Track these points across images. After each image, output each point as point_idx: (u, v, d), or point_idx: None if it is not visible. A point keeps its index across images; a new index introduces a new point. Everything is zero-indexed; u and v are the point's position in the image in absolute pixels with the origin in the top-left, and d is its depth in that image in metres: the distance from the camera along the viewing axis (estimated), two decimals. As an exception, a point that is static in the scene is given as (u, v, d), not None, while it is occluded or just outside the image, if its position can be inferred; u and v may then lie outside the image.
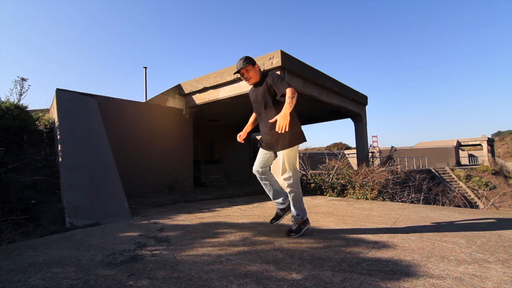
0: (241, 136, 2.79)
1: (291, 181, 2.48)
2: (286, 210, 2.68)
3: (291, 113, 2.29)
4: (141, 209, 4.37)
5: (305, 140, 2.52)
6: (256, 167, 2.63)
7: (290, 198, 2.57)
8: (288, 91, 2.27)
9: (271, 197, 2.70)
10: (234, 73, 2.69)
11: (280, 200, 2.67)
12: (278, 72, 5.79)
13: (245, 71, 2.52)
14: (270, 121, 2.38)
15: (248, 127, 2.85)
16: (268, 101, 2.46)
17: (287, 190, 2.54)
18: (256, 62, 2.58)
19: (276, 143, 2.46)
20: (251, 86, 2.67)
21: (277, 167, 2.67)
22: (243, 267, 1.80)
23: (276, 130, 2.18)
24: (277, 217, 2.71)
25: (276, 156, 2.60)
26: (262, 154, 2.62)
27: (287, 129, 2.17)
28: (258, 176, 2.65)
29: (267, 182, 2.65)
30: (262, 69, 5.92)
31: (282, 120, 2.15)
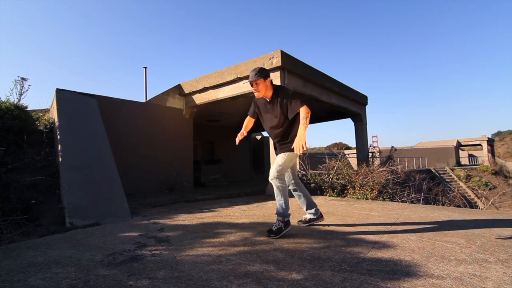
0: (239, 136, 2.86)
1: (278, 174, 2.54)
2: (315, 220, 2.90)
3: (296, 120, 2.53)
4: (141, 209, 4.37)
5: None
6: (288, 181, 2.75)
7: (275, 191, 2.57)
8: (302, 111, 2.41)
9: (304, 207, 2.86)
10: (244, 82, 2.74)
11: (312, 210, 2.86)
12: (278, 73, 5.80)
13: (255, 84, 2.55)
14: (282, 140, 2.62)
15: (246, 128, 2.91)
16: (285, 119, 2.57)
17: (273, 182, 2.56)
18: (269, 75, 2.59)
19: (282, 148, 2.61)
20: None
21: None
22: (243, 267, 1.80)
23: (295, 152, 2.34)
24: (305, 221, 2.92)
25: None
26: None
27: (305, 148, 2.32)
28: (293, 188, 2.79)
29: (301, 194, 2.80)
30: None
31: (298, 143, 2.31)
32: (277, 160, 2.61)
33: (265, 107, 2.66)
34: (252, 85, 2.56)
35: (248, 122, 2.92)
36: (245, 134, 2.86)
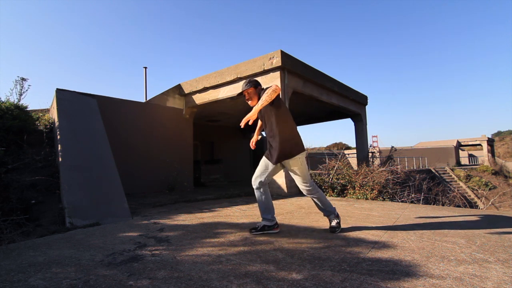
0: (253, 142, 2.93)
1: (311, 187, 2.62)
2: (269, 228, 2.63)
3: (293, 128, 2.56)
4: (141, 209, 4.37)
5: (304, 150, 2.62)
6: (259, 178, 2.64)
7: (318, 202, 2.68)
8: (269, 89, 2.38)
9: (261, 211, 2.69)
10: (238, 94, 2.75)
11: (269, 216, 2.65)
12: (278, 72, 5.80)
13: (246, 93, 2.67)
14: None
15: (258, 131, 2.97)
16: (267, 114, 2.58)
17: (312, 196, 2.65)
18: (259, 85, 2.70)
19: (290, 151, 2.53)
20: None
21: (295, 177, 2.70)
22: (243, 267, 1.80)
23: (241, 124, 2.47)
24: (257, 229, 2.63)
25: (281, 167, 2.69)
26: (270, 166, 2.62)
27: (245, 123, 2.46)
28: (258, 186, 2.65)
29: (264, 196, 2.67)
30: (262, 69, 5.94)
31: (245, 118, 2.45)
32: (297, 173, 2.57)
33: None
34: (244, 96, 2.69)
35: (260, 124, 2.97)
36: (258, 135, 2.95)
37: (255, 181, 2.66)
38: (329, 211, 2.69)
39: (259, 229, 2.63)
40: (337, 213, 2.72)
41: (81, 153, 4.50)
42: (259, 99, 2.55)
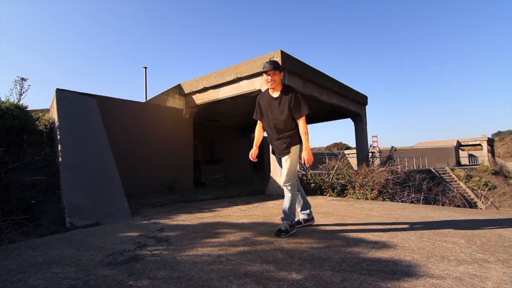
0: (253, 155, 2.87)
1: (290, 183, 2.62)
2: (308, 221, 2.91)
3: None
4: (141, 209, 4.37)
5: (301, 142, 2.68)
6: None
7: (286, 199, 2.66)
8: (302, 125, 2.59)
9: (299, 208, 2.87)
10: (262, 71, 2.66)
11: (307, 211, 2.88)
12: (278, 72, 5.80)
13: (273, 74, 2.59)
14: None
15: (258, 143, 2.92)
16: (291, 116, 2.62)
17: (286, 191, 2.64)
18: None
19: (286, 148, 2.62)
20: (265, 93, 2.77)
21: (281, 169, 2.78)
22: (243, 267, 1.80)
23: (307, 164, 2.57)
24: (299, 222, 2.86)
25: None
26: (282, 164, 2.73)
27: (311, 164, 2.60)
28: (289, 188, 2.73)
29: (299, 193, 2.80)
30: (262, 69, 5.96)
31: (309, 160, 2.55)
32: (285, 165, 2.63)
33: (271, 102, 2.68)
34: (269, 75, 2.58)
35: (259, 133, 2.90)
36: (257, 148, 2.89)
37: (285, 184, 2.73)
38: (287, 218, 2.62)
39: (298, 223, 2.85)
40: (295, 222, 2.68)
41: (81, 153, 4.49)
42: (282, 87, 2.66)
